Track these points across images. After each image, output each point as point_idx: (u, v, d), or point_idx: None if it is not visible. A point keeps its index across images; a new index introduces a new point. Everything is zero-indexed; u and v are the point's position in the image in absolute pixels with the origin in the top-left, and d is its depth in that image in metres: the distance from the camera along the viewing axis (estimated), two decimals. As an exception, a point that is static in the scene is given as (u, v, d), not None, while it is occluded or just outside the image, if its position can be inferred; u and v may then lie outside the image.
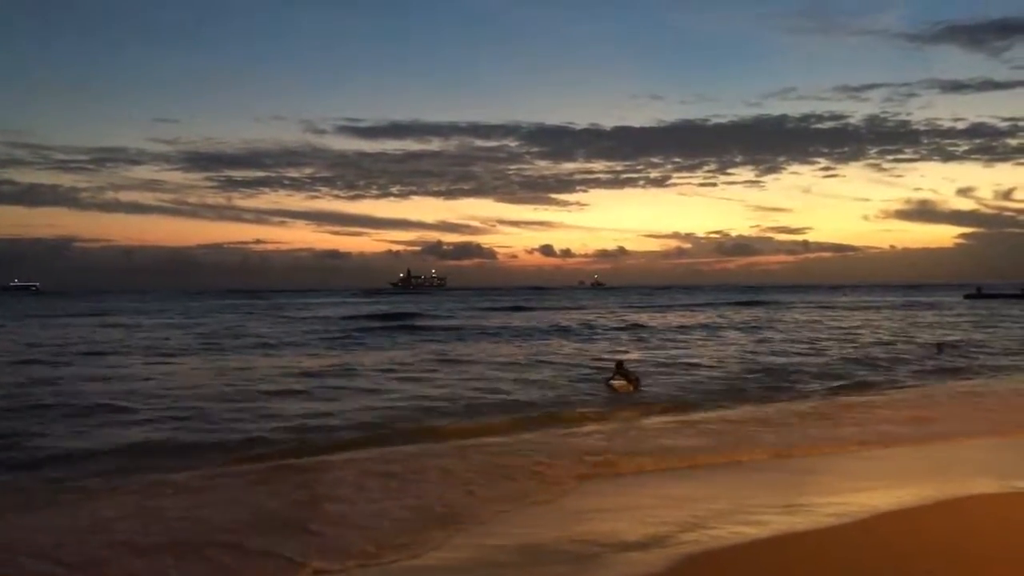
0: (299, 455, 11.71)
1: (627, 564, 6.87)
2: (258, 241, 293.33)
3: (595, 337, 38.18)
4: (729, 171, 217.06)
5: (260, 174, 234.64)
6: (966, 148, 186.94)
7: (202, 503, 8.93)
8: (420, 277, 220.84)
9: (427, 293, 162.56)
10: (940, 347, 29.57)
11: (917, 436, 13.13)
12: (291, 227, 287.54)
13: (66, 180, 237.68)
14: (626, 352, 28.29)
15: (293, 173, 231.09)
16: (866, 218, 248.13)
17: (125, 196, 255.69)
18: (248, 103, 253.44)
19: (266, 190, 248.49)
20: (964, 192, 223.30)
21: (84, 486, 9.89)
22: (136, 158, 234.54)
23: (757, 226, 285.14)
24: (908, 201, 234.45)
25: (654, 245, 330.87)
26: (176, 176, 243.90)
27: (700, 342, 34.31)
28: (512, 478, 10.11)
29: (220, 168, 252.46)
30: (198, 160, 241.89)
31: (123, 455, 11.80)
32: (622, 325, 47.80)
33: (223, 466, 11.00)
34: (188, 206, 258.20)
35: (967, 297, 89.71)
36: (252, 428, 13.81)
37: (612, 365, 19.94)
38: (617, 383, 18.71)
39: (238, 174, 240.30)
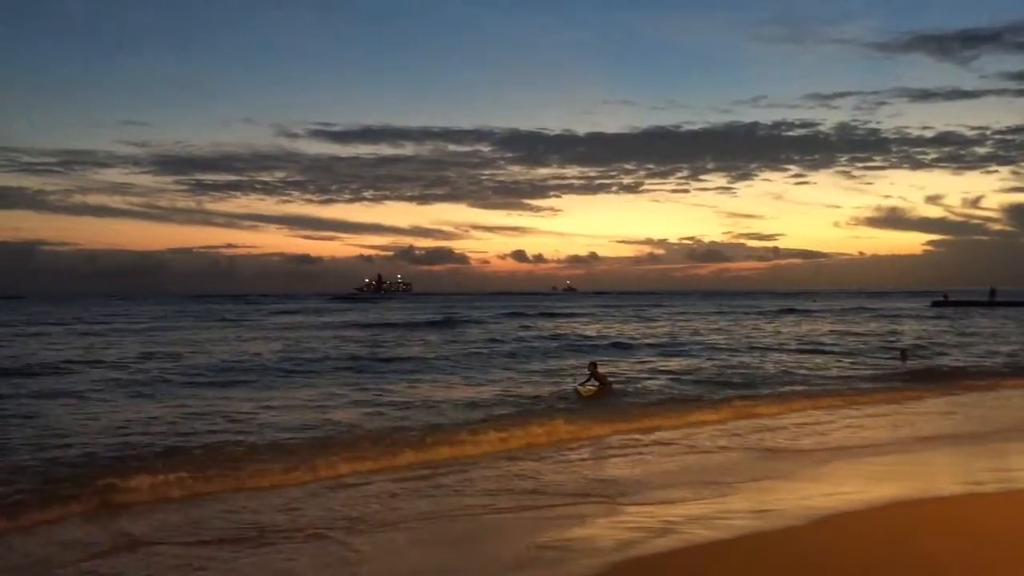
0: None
1: (587, 568, 6.96)
2: (229, 245, 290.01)
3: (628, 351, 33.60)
4: (701, 177, 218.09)
5: (231, 178, 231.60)
6: (934, 156, 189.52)
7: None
8: (386, 283, 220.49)
9: (394, 299, 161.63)
10: (904, 353, 29.98)
11: (883, 440, 13.39)
12: (262, 231, 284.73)
13: (33, 183, 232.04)
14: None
15: (265, 177, 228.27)
16: (836, 225, 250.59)
17: (93, 199, 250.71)
18: (219, 106, 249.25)
19: (237, 194, 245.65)
20: (932, 200, 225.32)
21: None
22: (105, 161, 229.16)
23: (729, 232, 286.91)
24: (878, 208, 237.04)
25: (626, 251, 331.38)
26: (146, 179, 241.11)
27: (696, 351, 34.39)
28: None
29: (190, 171, 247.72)
30: (168, 163, 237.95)
31: None
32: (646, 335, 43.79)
33: None
34: (158, 210, 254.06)
35: (934, 304, 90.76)
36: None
37: (600, 371, 19.75)
38: (584, 389, 18.61)
39: (209, 178, 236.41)
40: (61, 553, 7.85)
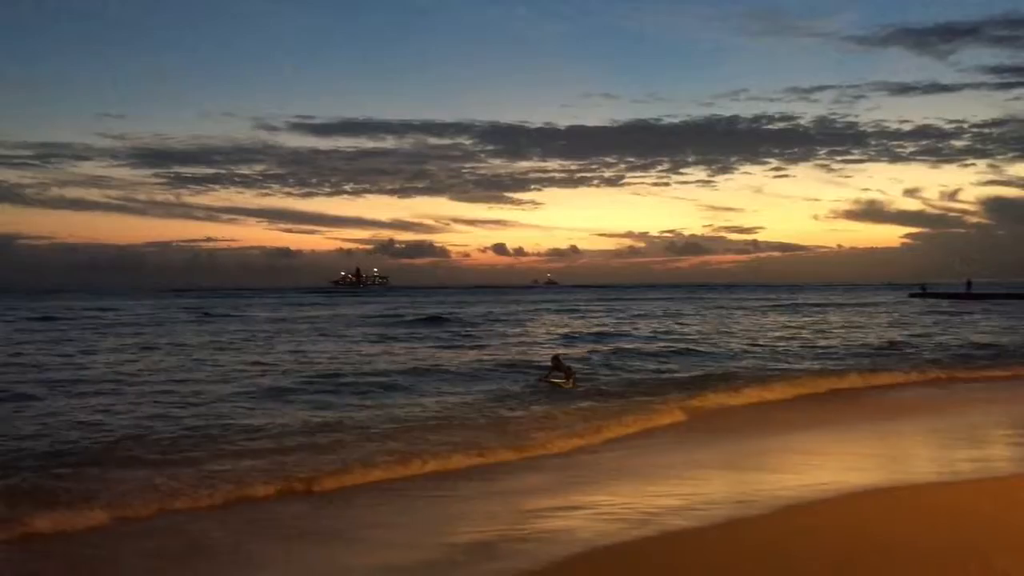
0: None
1: (566, 557, 6.95)
2: (208, 239, 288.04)
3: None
4: (682, 171, 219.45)
5: (210, 171, 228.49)
6: (912, 149, 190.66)
7: None
8: (364, 276, 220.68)
9: (372, 292, 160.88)
10: (892, 344, 30.22)
11: (858, 430, 13.54)
12: (242, 225, 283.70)
13: (10, 176, 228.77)
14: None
15: (244, 170, 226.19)
16: (816, 218, 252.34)
17: (71, 192, 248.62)
18: (197, 99, 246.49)
19: (216, 187, 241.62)
20: (910, 193, 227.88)
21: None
22: (82, 154, 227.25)
23: (709, 226, 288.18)
24: (856, 201, 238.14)
25: (607, 244, 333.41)
26: (124, 172, 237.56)
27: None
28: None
29: (169, 164, 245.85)
30: (146, 156, 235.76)
31: None
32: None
33: None
34: (136, 203, 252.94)
35: (912, 296, 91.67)
36: None
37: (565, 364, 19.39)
38: (558, 380, 18.24)
39: (187, 171, 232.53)
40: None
